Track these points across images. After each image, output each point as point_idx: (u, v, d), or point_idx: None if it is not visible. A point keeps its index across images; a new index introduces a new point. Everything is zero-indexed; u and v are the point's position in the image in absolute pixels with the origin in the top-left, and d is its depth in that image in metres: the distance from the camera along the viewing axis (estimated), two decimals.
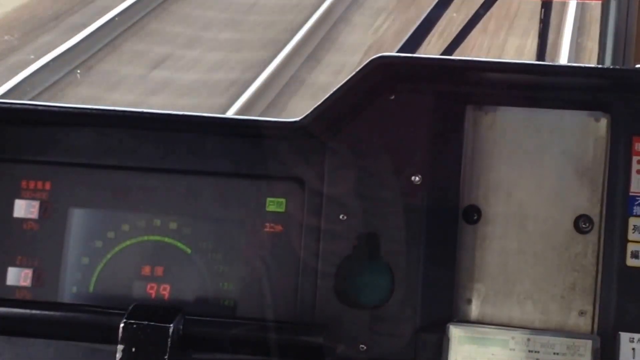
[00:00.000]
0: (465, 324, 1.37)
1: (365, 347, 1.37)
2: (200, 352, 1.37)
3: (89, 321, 1.38)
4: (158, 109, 1.49)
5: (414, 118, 1.39)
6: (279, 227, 1.42)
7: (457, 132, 1.39)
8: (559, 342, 1.34)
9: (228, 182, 1.44)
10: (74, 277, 1.45)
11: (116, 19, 7.54)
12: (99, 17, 7.46)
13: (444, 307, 1.37)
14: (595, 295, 1.37)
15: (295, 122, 1.41)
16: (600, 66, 2.09)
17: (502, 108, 1.41)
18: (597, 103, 1.39)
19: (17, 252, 1.46)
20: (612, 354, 1.33)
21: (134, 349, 1.30)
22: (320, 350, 1.36)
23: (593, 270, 1.37)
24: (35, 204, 1.46)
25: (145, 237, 1.44)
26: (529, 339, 1.34)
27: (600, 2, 2.50)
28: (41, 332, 1.39)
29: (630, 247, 1.35)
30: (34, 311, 1.39)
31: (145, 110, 1.47)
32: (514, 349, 1.34)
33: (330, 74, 7.01)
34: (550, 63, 2.89)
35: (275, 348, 1.36)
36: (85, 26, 7.40)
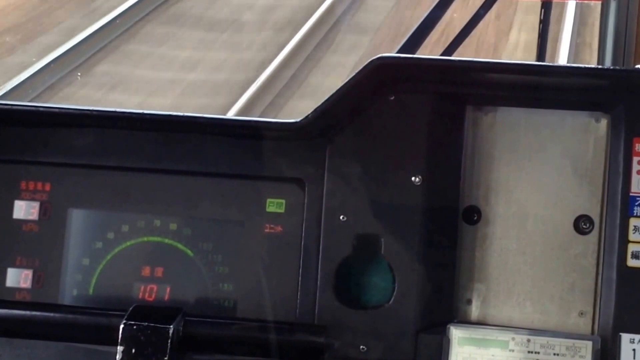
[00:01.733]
0: (465, 324, 1.37)
1: (365, 348, 1.37)
2: (200, 353, 1.37)
3: (88, 322, 1.38)
4: (159, 110, 1.49)
5: (413, 119, 1.39)
6: (279, 228, 1.42)
7: (457, 133, 1.39)
8: (559, 343, 1.34)
9: (228, 182, 1.43)
10: (73, 278, 1.45)
11: None
12: None
13: (444, 308, 1.37)
14: (595, 296, 1.36)
15: (295, 122, 1.41)
16: (600, 67, 2.09)
17: (502, 108, 1.41)
18: (597, 103, 1.39)
19: (17, 253, 1.46)
20: (613, 355, 1.33)
21: (134, 350, 1.30)
22: (320, 351, 1.36)
23: (593, 271, 1.37)
24: (35, 205, 1.46)
25: (145, 238, 1.44)
26: (529, 340, 1.34)
27: (600, 2, 2.50)
28: (41, 333, 1.39)
29: (631, 248, 1.35)
30: (34, 312, 1.38)
31: (145, 111, 1.47)
32: (513, 350, 1.34)
33: None
34: (550, 63, 2.89)
35: (276, 349, 1.36)
36: None
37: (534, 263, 1.38)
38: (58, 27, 7.73)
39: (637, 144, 1.37)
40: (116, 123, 1.47)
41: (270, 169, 1.42)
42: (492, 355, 1.34)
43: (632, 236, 1.35)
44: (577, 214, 1.38)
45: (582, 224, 1.38)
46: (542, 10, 2.40)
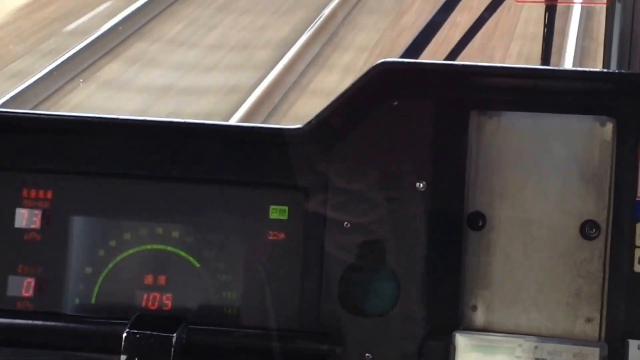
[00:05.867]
0: (471, 331, 1.36)
1: (370, 356, 1.36)
2: None
3: (91, 331, 1.37)
4: (162, 117, 1.49)
5: (417, 124, 1.38)
6: (282, 235, 1.41)
7: (462, 138, 1.38)
8: (566, 350, 1.32)
9: (231, 189, 1.43)
10: (76, 286, 1.44)
11: None
12: None
13: (450, 315, 1.36)
14: (602, 302, 1.35)
15: (298, 129, 1.40)
16: (605, 70, 2.08)
17: (507, 113, 1.40)
18: (603, 107, 1.38)
19: (19, 261, 1.45)
20: None
21: (137, 359, 1.29)
22: (324, 359, 1.35)
23: (600, 277, 1.36)
24: (37, 213, 1.45)
25: (148, 246, 1.43)
26: (535, 347, 1.33)
27: (605, 5, 2.49)
28: (43, 342, 1.38)
29: (638, 253, 1.34)
30: (36, 322, 1.38)
31: (147, 118, 1.47)
32: (520, 357, 1.33)
33: None
34: (555, 67, 2.88)
35: (279, 356, 1.35)
36: None
37: (540, 269, 1.37)
38: None
39: None
40: (118, 130, 1.46)
41: (273, 176, 1.41)
42: None
43: (638, 241, 1.34)
44: (583, 219, 1.37)
45: (588, 229, 1.37)
46: (546, 13, 2.39)
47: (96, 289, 1.44)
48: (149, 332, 1.30)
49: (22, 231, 1.45)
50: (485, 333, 1.36)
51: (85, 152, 1.45)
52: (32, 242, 1.45)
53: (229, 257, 1.41)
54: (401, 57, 1.87)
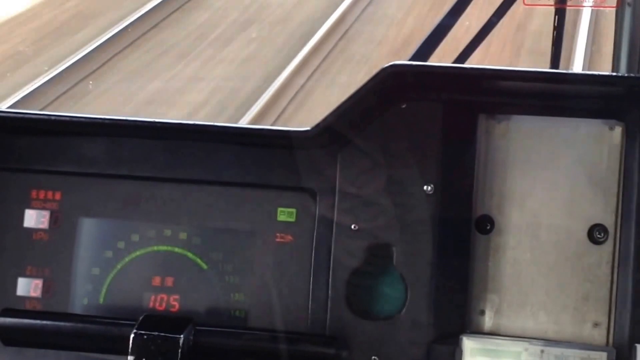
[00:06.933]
0: (478, 335, 1.36)
1: (377, 359, 1.36)
2: None
3: (99, 332, 1.37)
4: (170, 119, 1.49)
5: (425, 127, 1.38)
6: (289, 237, 1.41)
7: (470, 141, 1.38)
8: (573, 354, 1.32)
9: (238, 191, 1.43)
10: (84, 287, 1.45)
11: None
12: None
13: (457, 319, 1.36)
14: (610, 306, 1.35)
15: (306, 131, 1.40)
16: (614, 74, 2.08)
17: (515, 117, 1.39)
18: (612, 111, 1.38)
19: (27, 262, 1.45)
20: None
21: None
22: None
23: (607, 281, 1.35)
24: (46, 214, 1.46)
25: (155, 248, 1.44)
26: (542, 351, 1.33)
27: (614, 9, 2.48)
28: (51, 342, 1.38)
29: None
30: (44, 322, 1.38)
31: (156, 119, 1.47)
32: None
33: None
34: (564, 71, 2.87)
35: (287, 359, 1.35)
36: None
37: (548, 273, 1.37)
38: None
39: None
40: (127, 132, 1.47)
41: (281, 178, 1.41)
42: None
43: None
44: (591, 223, 1.37)
45: (596, 233, 1.36)
46: (556, 16, 2.38)
47: (104, 290, 1.44)
48: (156, 333, 1.30)
49: (31, 232, 1.46)
50: (493, 337, 1.36)
51: (94, 154, 1.45)
52: (40, 243, 1.45)
53: (237, 259, 1.42)
54: (410, 60, 1.86)
